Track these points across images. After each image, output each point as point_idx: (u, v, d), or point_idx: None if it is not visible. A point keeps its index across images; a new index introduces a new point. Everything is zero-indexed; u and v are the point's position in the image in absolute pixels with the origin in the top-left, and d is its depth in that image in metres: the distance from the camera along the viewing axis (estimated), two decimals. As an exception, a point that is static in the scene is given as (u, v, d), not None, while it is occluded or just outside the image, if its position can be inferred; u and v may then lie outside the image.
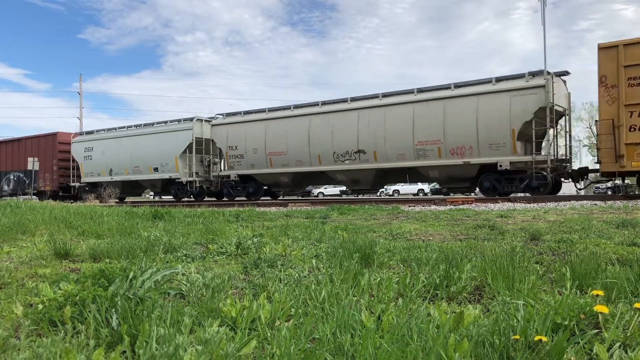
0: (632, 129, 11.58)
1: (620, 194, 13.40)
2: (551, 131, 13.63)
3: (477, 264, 2.95)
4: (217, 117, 19.86)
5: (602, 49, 12.14)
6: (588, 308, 1.91)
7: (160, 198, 31.04)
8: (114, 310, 1.96)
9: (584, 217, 6.85)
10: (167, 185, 20.60)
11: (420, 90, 15.16)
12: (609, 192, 28.38)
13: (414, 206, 12.34)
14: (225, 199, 19.46)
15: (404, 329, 1.72)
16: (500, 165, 13.59)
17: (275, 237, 5.08)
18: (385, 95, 15.82)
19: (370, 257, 3.44)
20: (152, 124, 21.79)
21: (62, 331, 1.77)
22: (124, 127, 22.83)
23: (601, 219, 6.60)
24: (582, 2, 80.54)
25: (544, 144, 14.10)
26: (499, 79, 14.13)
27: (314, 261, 3.45)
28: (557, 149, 13.95)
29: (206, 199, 20.49)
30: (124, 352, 1.72)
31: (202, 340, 1.66)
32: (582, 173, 13.63)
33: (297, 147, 17.06)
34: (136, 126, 22.58)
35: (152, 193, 20.85)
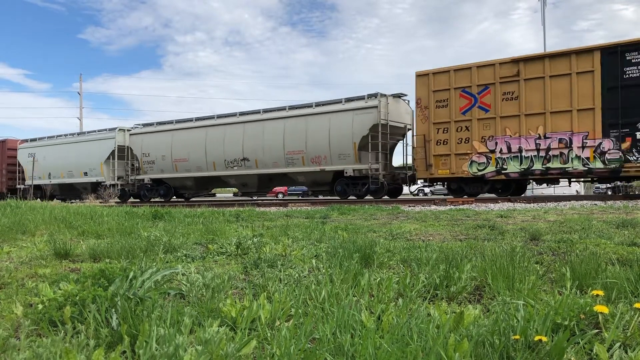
0: (439, 143, 14.50)
1: (620, 194, 13.40)
2: (400, 143, 16.59)
3: (477, 264, 2.95)
4: (135, 127, 22.55)
5: (418, 76, 14.86)
6: (588, 308, 1.91)
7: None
8: (114, 310, 1.96)
9: (584, 217, 6.86)
10: (96, 188, 22.82)
11: (292, 107, 17.88)
12: (609, 192, 28.39)
13: (414, 206, 12.35)
14: (145, 199, 21.97)
15: (404, 329, 1.72)
16: (346, 172, 16.12)
17: (275, 237, 5.08)
18: (265, 111, 18.55)
19: (370, 257, 3.44)
20: (84, 133, 25.05)
21: (62, 331, 1.77)
22: (62, 135, 25.39)
23: (601, 219, 6.60)
24: (581, 3, 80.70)
25: (393, 154, 16.85)
26: (347, 100, 16.54)
27: (314, 261, 3.45)
28: (406, 158, 16.61)
29: (131, 200, 22.90)
30: (124, 352, 1.72)
31: (202, 340, 1.66)
32: (414, 179, 16.10)
33: (196, 155, 19.61)
34: (71, 134, 25.28)
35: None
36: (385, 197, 16.65)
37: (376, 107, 15.59)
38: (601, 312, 1.81)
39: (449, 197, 14.80)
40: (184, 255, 3.93)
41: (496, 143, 13.75)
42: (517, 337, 1.64)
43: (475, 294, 2.61)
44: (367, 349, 1.55)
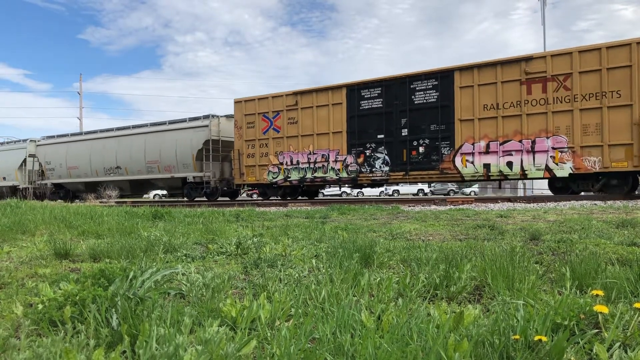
0: (249, 156, 18.38)
1: (619, 194, 13.40)
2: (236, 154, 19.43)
3: (477, 264, 2.95)
4: (41, 139, 26.15)
5: (236, 102, 18.70)
6: (588, 308, 1.91)
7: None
8: (114, 310, 1.96)
9: (584, 217, 6.86)
10: (15, 191, 26.30)
11: (152, 124, 21.70)
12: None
13: (414, 206, 12.35)
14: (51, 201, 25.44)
15: (404, 329, 1.72)
16: (188, 179, 19.80)
17: (275, 237, 5.08)
18: (133, 127, 22.45)
19: (370, 257, 3.44)
20: (4, 143, 28.70)
21: (62, 331, 1.77)
22: None
23: (601, 219, 6.60)
24: (581, 3, 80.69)
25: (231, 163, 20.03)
26: (191, 119, 20.37)
27: (314, 261, 3.45)
28: (234, 167, 19.37)
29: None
30: (124, 352, 1.72)
31: (202, 340, 1.66)
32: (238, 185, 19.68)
33: (84, 163, 23.48)
34: None
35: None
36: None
37: (207, 126, 19.45)
38: (601, 312, 1.81)
39: (448, 197, 14.87)
40: (184, 255, 3.93)
41: (284, 157, 17.61)
42: (517, 337, 1.64)
43: (475, 294, 2.61)
44: (367, 349, 1.55)
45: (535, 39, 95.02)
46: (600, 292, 1.99)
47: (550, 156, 13.16)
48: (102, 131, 23.50)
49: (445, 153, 14.64)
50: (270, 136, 17.92)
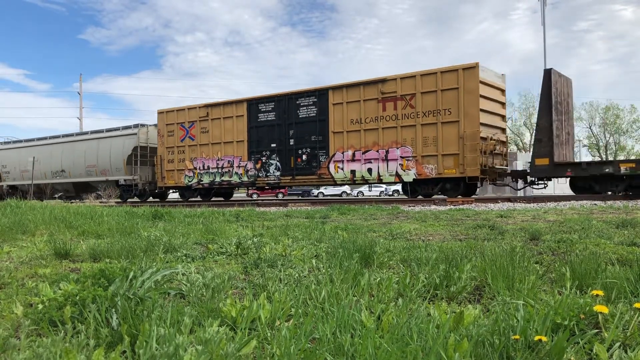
0: (169, 162, 20.68)
1: (620, 194, 13.39)
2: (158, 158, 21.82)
3: (477, 264, 2.95)
4: (0, 145, 28.67)
5: (159, 113, 21.08)
6: (588, 308, 1.91)
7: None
8: (114, 310, 1.96)
9: (584, 217, 6.85)
10: None
11: (93, 132, 24.17)
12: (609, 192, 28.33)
13: (414, 206, 12.35)
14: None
15: (404, 329, 1.72)
16: (120, 182, 22.22)
17: (275, 237, 5.08)
18: (77, 134, 25.14)
19: (370, 257, 3.44)
20: None
21: (62, 331, 1.77)
22: None
23: (601, 219, 6.60)
24: (581, 3, 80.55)
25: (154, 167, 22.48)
26: (124, 127, 22.67)
27: (314, 261, 3.45)
28: (156, 171, 21.71)
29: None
30: (124, 352, 1.72)
31: (202, 340, 1.66)
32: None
33: (35, 167, 25.19)
34: None
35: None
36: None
37: (135, 134, 21.70)
38: (601, 312, 1.81)
39: (448, 197, 14.91)
40: (184, 255, 3.93)
41: (197, 163, 19.78)
42: (517, 337, 1.64)
43: (475, 294, 2.61)
44: (367, 349, 1.55)
45: (534, 39, 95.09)
46: (600, 292, 1.99)
47: (399, 164, 15.38)
48: (51, 137, 26.30)
49: (322, 160, 16.97)
50: (187, 144, 20.29)
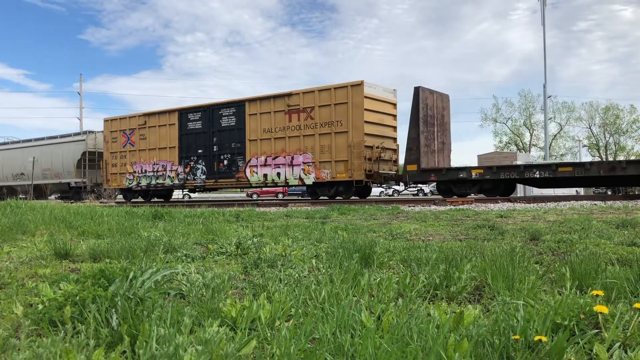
0: (113, 165, 22.60)
1: (620, 194, 13.41)
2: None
3: (477, 264, 2.95)
4: None
5: (105, 121, 23.11)
6: (588, 308, 1.91)
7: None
8: (114, 310, 1.96)
9: (584, 217, 6.85)
10: None
11: (49, 137, 26.40)
12: (609, 192, 28.35)
13: (414, 206, 12.35)
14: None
15: (404, 329, 1.72)
16: (71, 184, 24.58)
17: (275, 237, 5.08)
18: (35, 140, 27.14)
19: (370, 257, 3.44)
20: None
21: (62, 331, 1.77)
22: None
23: (601, 219, 6.60)
24: (580, 3, 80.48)
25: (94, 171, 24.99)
26: (75, 134, 25.42)
27: (314, 261, 3.45)
28: (102, 175, 23.58)
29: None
30: (124, 352, 1.72)
31: (202, 340, 1.66)
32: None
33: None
34: None
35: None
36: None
37: (84, 140, 24.25)
38: (601, 312, 1.81)
39: (448, 197, 15.01)
40: (184, 255, 3.93)
41: (137, 167, 21.65)
42: (517, 337, 1.64)
43: (475, 294, 2.61)
44: (367, 349, 1.55)
45: (534, 39, 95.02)
46: (600, 292, 1.99)
47: (302, 169, 17.39)
48: (12, 142, 28.60)
49: (240, 165, 18.85)
50: (128, 149, 22.16)
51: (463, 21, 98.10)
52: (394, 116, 17.77)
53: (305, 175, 17.33)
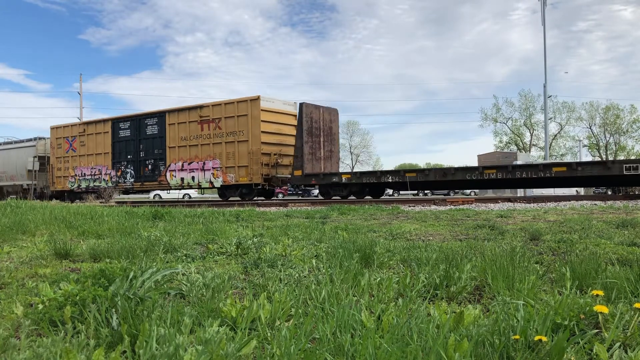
0: (58, 169, 24.79)
1: (620, 194, 13.42)
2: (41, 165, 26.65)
3: (477, 264, 2.95)
4: None
5: (51, 129, 25.12)
6: (588, 308, 1.91)
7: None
8: (114, 310, 1.96)
9: (584, 217, 6.85)
10: None
11: (5, 143, 28.65)
12: (609, 192, 28.37)
13: (414, 206, 12.35)
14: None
15: (404, 329, 1.72)
16: (24, 186, 26.66)
17: (275, 237, 5.08)
18: None
19: (370, 257, 3.44)
20: None
21: (62, 331, 1.77)
22: None
23: (601, 219, 6.60)
24: (580, 3, 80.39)
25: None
26: (27, 140, 27.27)
27: (314, 261, 3.45)
28: (49, 177, 25.79)
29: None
30: (124, 352, 1.72)
31: (202, 340, 1.66)
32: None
33: None
34: None
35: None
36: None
37: (34, 146, 26.30)
38: (601, 312, 1.81)
39: (448, 197, 15.06)
40: (184, 255, 3.93)
41: (77, 170, 23.91)
42: (517, 337, 1.64)
43: (475, 294, 2.61)
44: (367, 349, 1.55)
45: (534, 39, 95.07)
46: (601, 292, 1.99)
47: (212, 173, 19.52)
48: None
49: (162, 169, 21.03)
50: (70, 155, 24.34)
51: (463, 21, 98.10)
52: (294, 126, 19.55)
53: (215, 179, 19.66)
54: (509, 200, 13.68)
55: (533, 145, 57.29)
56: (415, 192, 43.53)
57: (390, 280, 2.56)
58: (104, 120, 23.14)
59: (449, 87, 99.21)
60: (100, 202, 18.58)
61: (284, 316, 2.10)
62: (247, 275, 3.21)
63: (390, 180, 16.82)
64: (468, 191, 46.41)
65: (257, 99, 18.44)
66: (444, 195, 40.38)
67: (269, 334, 1.87)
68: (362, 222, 7.33)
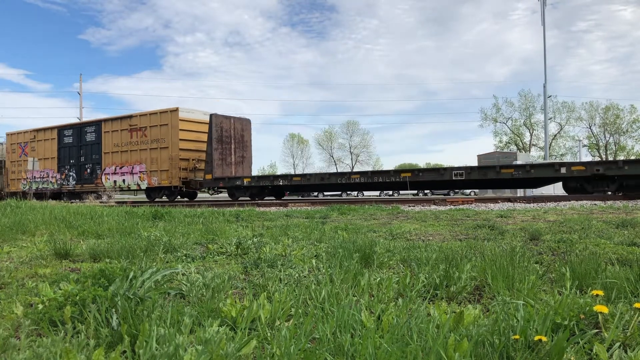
0: (13, 172, 26.88)
1: (620, 194, 13.43)
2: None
3: (477, 264, 2.95)
4: None
5: (7, 135, 27.18)
6: (588, 308, 1.91)
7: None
8: (114, 310, 1.96)
9: (584, 217, 6.86)
10: None
11: None
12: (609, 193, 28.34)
13: (414, 206, 12.36)
14: None
15: (403, 329, 1.72)
16: None
17: (275, 237, 5.08)
18: None
19: (370, 257, 3.44)
20: None
21: (62, 331, 1.77)
22: None
23: (601, 219, 6.60)
24: (580, 3, 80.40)
25: None
26: None
27: (314, 261, 3.45)
28: (4, 180, 27.92)
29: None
30: (124, 352, 1.72)
31: (202, 340, 1.66)
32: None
33: None
34: None
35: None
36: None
37: None
38: (601, 312, 1.81)
39: (448, 197, 15.10)
40: (184, 255, 3.93)
41: (29, 173, 25.73)
42: (517, 337, 1.64)
43: (475, 294, 2.61)
44: (367, 349, 1.56)
45: (533, 39, 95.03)
46: (600, 292, 1.99)
47: (139, 176, 21.92)
48: None
49: (98, 173, 23.45)
50: (22, 159, 26.29)
51: (463, 21, 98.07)
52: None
53: (141, 181, 22.08)
54: (508, 200, 13.68)
55: (533, 145, 57.34)
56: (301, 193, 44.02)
57: (390, 280, 2.56)
58: (51, 128, 25.45)
59: (449, 87, 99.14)
60: (101, 203, 18.66)
61: (284, 316, 2.10)
62: (247, 275, 3.21)
63: (281, 184, 19.66)
64: (468, 191, 46.52)
65: (176, 110, 21.01)
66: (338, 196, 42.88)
67: (269, 334, 1.87)
68: (362, 222, 7.33)
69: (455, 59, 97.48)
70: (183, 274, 2.97)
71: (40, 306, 2.10)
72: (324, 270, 3.05)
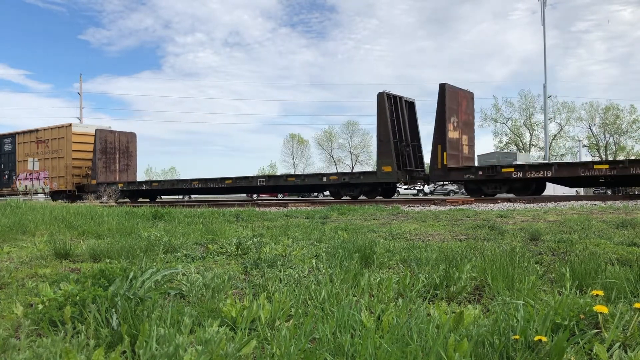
0: None
1: (620, 194, 13.44)
2: None
3: (477, 264, 2.95)
4: None
5: None
6: (588, 308, 1.91)
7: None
8: (114, 310, 1.96)
9: (584, 217, 6.86)
10: None
11: None
12: (609, 192, 28.40)
13: (414, 206, 12.35)
14: None
15: (403, 329, 1.72)
16: None
17: (275, 237, 5.08)
18: None
19: (370, 257, 3.44)
20: None
21: (62, 331, 1.77)
22: None
23: (601, 219, 6.60)
24: (580, 3, 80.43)
25: None
26: None
27: (314, 261, 3.45)
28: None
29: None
30: (124, 352, 1.72)
31: (202, 340, 1.66)
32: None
33: None
34: None
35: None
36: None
37: None
38: (601, 312, 1.81)
39: (448, 197, 15.05)
40: (184, 255, 3.93)
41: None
42: (517, 337, 1.64)
43: (475, 294, 2.61)
44: (367, 349, 1.56)
45: (533, 39, 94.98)
46: (600, 292, 1.99)
47: (43, 182, 26.35)
48: None
49: (14, 178, 27.68)
50: None
51: (462, 21, 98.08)
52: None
53: (45, 186, 26.44)
54: (508, 200, 13.69)
55: (533, 145, 57.35)
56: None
57: (390, 281, 2.56)
58: (25, 132, 28.53)
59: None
60: (101, 203, 18.67)
61: (283, 316, 2.10)
62: (247, 275, 3.21)
63: (144, 188, 24.32)
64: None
65: (70, 125, 25.84)
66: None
67: (268, 334, 1.87)
68: (362, 222, 7.33)
69: (455, 59, 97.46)
70: (183, 274, 2.97)
71: (40, 306, 2.10)
72: (324, 271, 3.05)
